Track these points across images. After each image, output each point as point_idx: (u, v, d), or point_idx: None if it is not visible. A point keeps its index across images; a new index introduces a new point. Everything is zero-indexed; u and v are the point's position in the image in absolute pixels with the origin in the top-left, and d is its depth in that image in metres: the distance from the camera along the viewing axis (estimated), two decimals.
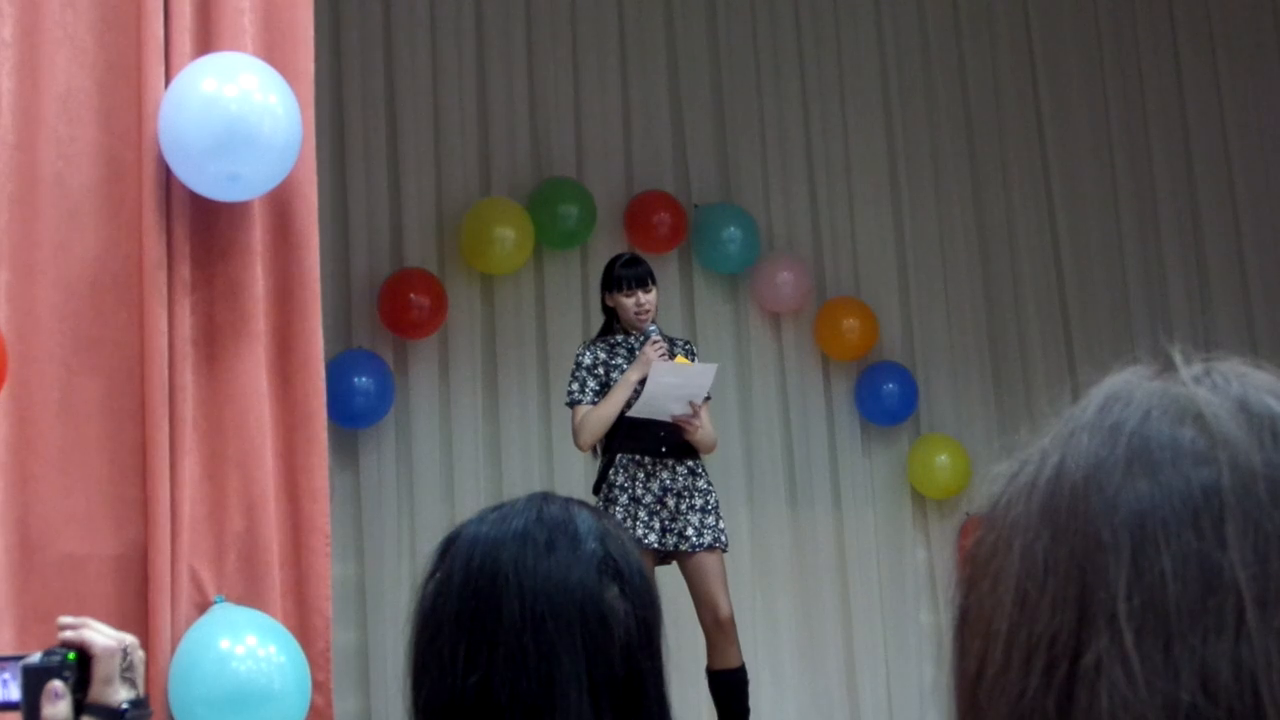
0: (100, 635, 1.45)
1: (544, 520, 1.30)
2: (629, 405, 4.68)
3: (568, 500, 1.36)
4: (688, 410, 4.67)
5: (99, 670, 1.44)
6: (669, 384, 4.62)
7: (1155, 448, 0.59)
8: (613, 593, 1.28)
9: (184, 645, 2.80)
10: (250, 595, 2.90)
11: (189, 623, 2.83)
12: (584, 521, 1.32)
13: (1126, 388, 0.62)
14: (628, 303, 4.78)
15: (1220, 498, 0.57)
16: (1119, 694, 0.55)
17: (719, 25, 6.53)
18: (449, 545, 1.33)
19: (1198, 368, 0.62)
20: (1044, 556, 0.59)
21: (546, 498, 1.35)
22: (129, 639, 1.47)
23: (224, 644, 2.79)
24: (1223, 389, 0.60)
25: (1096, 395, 0.63)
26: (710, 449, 4.85)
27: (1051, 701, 0.57)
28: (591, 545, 1.29)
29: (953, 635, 0.64)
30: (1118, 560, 0.57)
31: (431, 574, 1.32)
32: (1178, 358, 0.63)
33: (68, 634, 1.45)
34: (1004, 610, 0.59)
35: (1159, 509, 0.57)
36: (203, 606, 2.86)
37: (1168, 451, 0.59)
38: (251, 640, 2.80)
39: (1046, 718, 0.57)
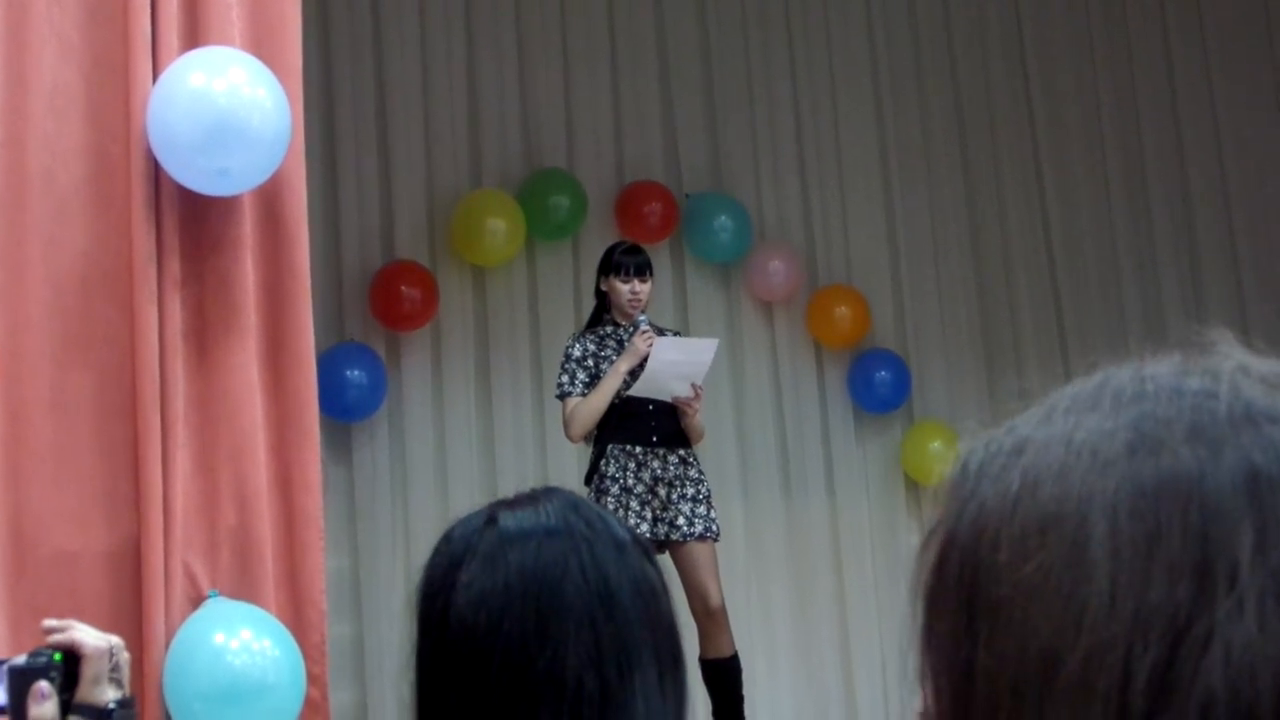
0: (88, 636, 1.45)
1: (575, 509, 1.33)
2: (621, 393, 4.68)
3: (571, 492, 1.39)
4: (688, 391, 4.68)
5: (88, 670, 1.44)
6: (672, 360, 4.62)
7: (1256, 411, 0.59)
8: (653, 571, 1.33)
9: (178, 640, 2.80)
10: (244, 589, 2.90)
11: (183, 617, 2.83)
12: (602, 509, 1.37)
13: (1188, 367, 0.62)
14: (623, 289, 4.78)
15: None
16: (1236, 656, 0.54)
17: (708, 14, 6.51)
18: (472, 542, 1.31)
19: (1237, 349, 0.62)
20: (1146, 528, 0.57)
21: (557, 491, 1.37)
22: (115, 640, 1.47)
23: (218, 638, 2.79)
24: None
25: (1163, 373, 0.62)
26: (699, 438, 4.85)
27: (1155, 678, 0.55)
28: (621, 530, 1.33)
29: (991, 631, 0.60)
30: (1239, 525, 0.56)
31: (451, 574, 1.29)
32: (1218, 339, 0.63)
33: (56, 636, 1.45)
34: (1097, 588, 0.56)
35: (1272, 465, 0.57)
36: (196, 601, 2.86)
37: (1265, 413, 0.59)
38: (246, 634, 2.81)
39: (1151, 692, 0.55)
